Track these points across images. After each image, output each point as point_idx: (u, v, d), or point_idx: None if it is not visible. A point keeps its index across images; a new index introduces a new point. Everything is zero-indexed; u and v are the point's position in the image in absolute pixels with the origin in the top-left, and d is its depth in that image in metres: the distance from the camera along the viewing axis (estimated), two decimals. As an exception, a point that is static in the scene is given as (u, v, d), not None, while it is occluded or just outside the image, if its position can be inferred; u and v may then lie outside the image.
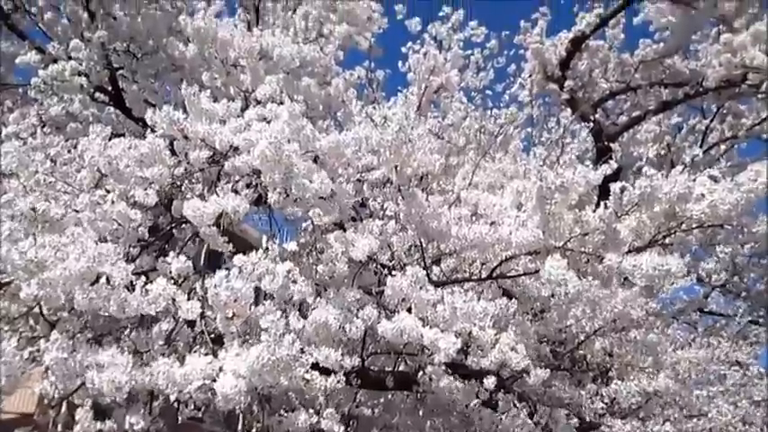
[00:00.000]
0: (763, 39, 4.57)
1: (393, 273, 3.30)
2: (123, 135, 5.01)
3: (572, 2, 7.03)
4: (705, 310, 7.87)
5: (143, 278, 2.77)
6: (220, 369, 2.49)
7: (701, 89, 5.88)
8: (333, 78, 4.82)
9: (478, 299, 3.08)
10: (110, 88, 5.25)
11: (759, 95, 5.78)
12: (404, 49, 5.72)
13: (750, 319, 7.59)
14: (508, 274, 3.85)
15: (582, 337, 4.33)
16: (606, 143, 6.53)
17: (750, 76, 4.76)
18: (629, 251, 3.21)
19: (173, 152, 3.52)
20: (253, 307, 2.80)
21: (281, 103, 3.73)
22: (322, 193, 3.15)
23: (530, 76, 6.95)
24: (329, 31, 4.45)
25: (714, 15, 6.47)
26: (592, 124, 6.60)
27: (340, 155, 3.35)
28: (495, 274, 3.79)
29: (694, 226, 3.14)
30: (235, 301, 2.74)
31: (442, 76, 5.08)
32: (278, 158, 2.83)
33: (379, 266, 3.96)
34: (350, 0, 4.49)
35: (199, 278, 3.31)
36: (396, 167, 3.36)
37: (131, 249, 3.52)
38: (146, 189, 3.31)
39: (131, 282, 2.71)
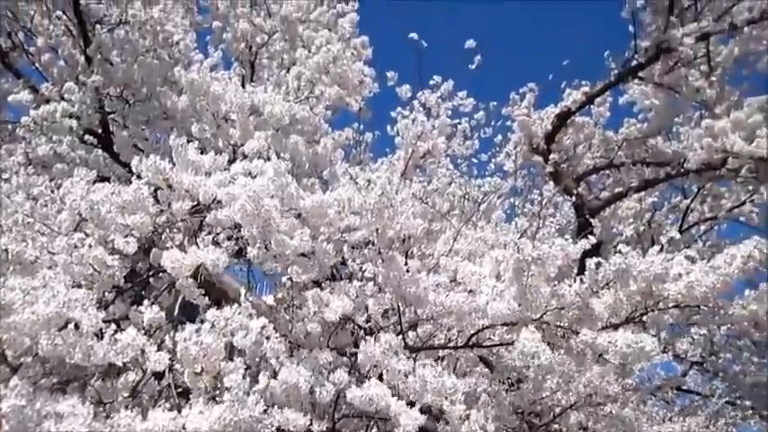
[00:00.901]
0: (743, 126, 4.71)
1: (368, 336, 3.27)
2: (109, 179, 5.02)
3: (560, 78, 7.25)
4: (683, 388, 7.82)
5: (113, 326, 2.72)
6: (183, 427, 2.42)
7: (682, 170, 6.01)
8: (321, 137, 4.90)
9: (454, 367, 3.07)
10: (100, 131, 5.29)
11: (738, 180, 5.92)
12: (393, 114, 5.85)
13: (727, 399, 7.55)
14: (484, 344, 3.83)
15: (557, 410, 4.29)
16: (587, 217, 6.62)
17: (730, 161, 4.88)
18: (605, 327, 3.21)
19: (156, 200, 3.52)
20: (223, 363, 2.75)
21: (268, 159, 3.76)
22: (302, 250, 3.16)
23: (515, 147, 7.09)
24: (320, 91, 4.55)
25: (696, 100, 6.71)
26: (574, 198, 6.70)
27: (323, 214, 3.37)
28: (471, 343, 3.77)
29: (671, 305, 3.15)
30: (204, 356, 2.69)
31: (429, 142, 5.17)
32: (258, 213, 2.84)
33: (355, 327, 3.94)
34: (343, 64, 4.59)
35: (171, 329, 3.26)
36: (377, 230, 3.38)
37: (106, 295, 3.47)
38: (126, 236, 3.29)
39: (101, 329, 2.65)
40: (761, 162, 4.65)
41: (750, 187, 6.11)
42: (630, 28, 6.84)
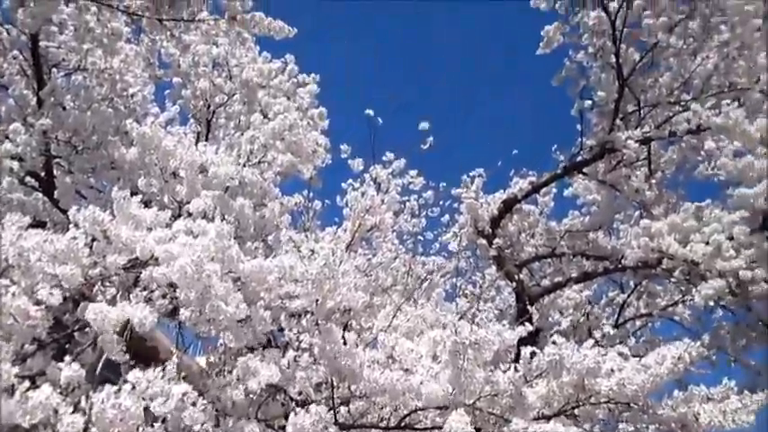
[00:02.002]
0: (678, 229, 4.91)
1: (299, 408, 3.17)
2: (45, 224, 4.84)
3: (509, 165, 7.49)
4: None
5: (27, 383, 2.55)
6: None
7: (620, 266, 6.19)
8: (270, 202, 4.87)
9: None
10: (43, 174, 5.14)
11: (672, 280, 6.12)
12: (344, 185, 5.90)
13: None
14: (417, 426, 3.75)
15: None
16: (527, 304, 6.70)
17: (665, 262, 5.05)
18: (538, 418, 3.19)
19: (92, 252, 3.40)
20: (141, 430, 2.60)
21: (213, 219, 3.71)
22: (237, 316, 3.07)
23: (461, 228, 7.20)
24: (273, 157, 4.56)
25: (636, 200, 7.01)
26: (515, 284, 6.80)
27: (262, 279, 3.31)
28: (403, 424, 3.69)
29: (603, 400, 3.16)
30: (121, 420, 2.54)
31: (377, 216, 5.21)
32: (197, 277, 2.76)
33: (287, 398, 3.81)
34: (298, 133, 4.63)
35: (91, 389, 3.08)
36: (317, 301, 3.33)
37: (25, 348, 3.28)
38: (54, 287, 3.14)
39: (12, 385, 2.49)
40: (693, 265, 4.83)
41: (683, 288, 6.31)
42: (578, 126, 7.19)
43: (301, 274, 3.09)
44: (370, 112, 5.85)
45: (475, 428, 3.05)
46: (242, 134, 5.26)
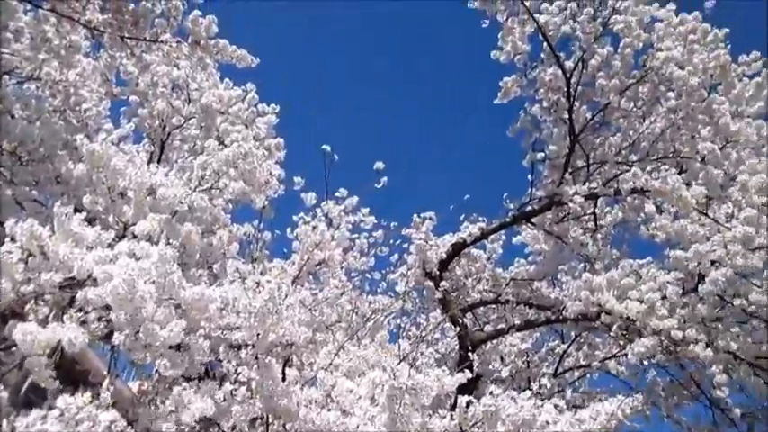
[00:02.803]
0: (617, 286, 5.05)
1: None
2: (-21, 235, 4.64)
3: (460, 210, 7.59)
4: None
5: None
6: None
7: (561, 316, 6.30)
8: (218, 229, 4.81)
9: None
10: (-18, 183, 4.95)
11: (610, 334, 6.25)
12: (295, 218, 5.87)
13: None
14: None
15: None
16: (469, 349, 6.74)
17: (603, 316, 5.17)
18: (470, 466, 3.19)
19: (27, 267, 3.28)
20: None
21: (158, 242, 3.63)
22: (173, 342, 3.00)
23: (410, 269, 7.23)
24: (225, 184, 4.52)
25: (580, 253, 7.19)
26: (459, 328, 6.83)
27: (203, 308, 3.25)
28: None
29: (536, 452, 3.17)
30: (42, 447, 2.43)
31: (326, 251, 5.20)
32: (129, 298, 2.69)
33: (221, 432, 3.71)
34: (252, 162, 4.61)
35: (14, 412, 2.94)
36: (258, 335, 3.28)
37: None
38: (-21, 302, 3.01)
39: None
40: (630, 322, 4.95)
41: (621, 343, 6.45)
42: (529, 176, 7.38)
43: (244, 306, 3.04)
44: (326, 147, 5.87)
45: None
46: (195, 158, 5.21)
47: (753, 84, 6.13)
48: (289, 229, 5.91)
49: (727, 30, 6.30)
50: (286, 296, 4.25)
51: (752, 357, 5.19)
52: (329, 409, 3.46)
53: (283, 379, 3.99)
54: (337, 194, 6.09)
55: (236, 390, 3.52)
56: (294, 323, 4.04)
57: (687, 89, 5.97)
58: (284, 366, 4.64)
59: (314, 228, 5.29)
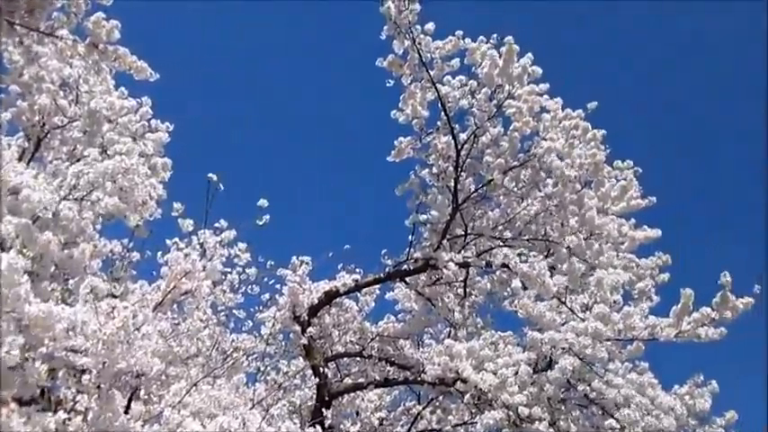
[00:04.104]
0: (475, 356, 5.22)
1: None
2: None
3: (338, 258, 7.62)
4: None
5: None
6: None
7: (419, 378, 6.40)
8: (83, 243, 4.52)
9: None
10: None
11: (464, 402, 6.43)
12: (168, 242, 5.63)
13: None
14: None
15: None
16: (326, 400, 6.68)
17: (459, 384, 5.31)
18: None
19: None
20: None
21: (10, 249, 3.37)
22: (8, 362, 2.77)
23: (279, 310, 7.12)
24: (98, 197, 4.28)
25: (447, 318, 7.40)
26: (318, 378, 6.77)
27: (48, 327, 3.03)
28: None
29: None
30: None
31: (195, 281, 5.02)
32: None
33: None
34: (132, 179, 4.42)
35: None
36: (104, 363, 3.09)
37: None
38: None
39: None
40: (482, 393, 5.12)
41: (473, 411, 6.63)
42: (410, 236, 7.56)
43: (93, 332, 2.86)
44: (212, 175, 5.73)
45: None
46: (72, 164, 4.91)
47: (619, 185, 6.71)
48: (160, 253, 5.65)
49: (605, 132, 6.90)
50: (143, 323, 4.06)
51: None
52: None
53: (126, 412, 3.77)
54: (216, 225, 5.93)
55: (69, 419, 3.28)
56: (147, 353, 3.85)
57: (563, 180, 6.42)
58: (130, 399, 4.38)
59: (186, 255, 5.10)
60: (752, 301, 5.18)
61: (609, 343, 4.91)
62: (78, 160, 5.08)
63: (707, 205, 20.93)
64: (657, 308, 5.86)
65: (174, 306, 5.77)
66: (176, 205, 5.68)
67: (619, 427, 5.12)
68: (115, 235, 5.89)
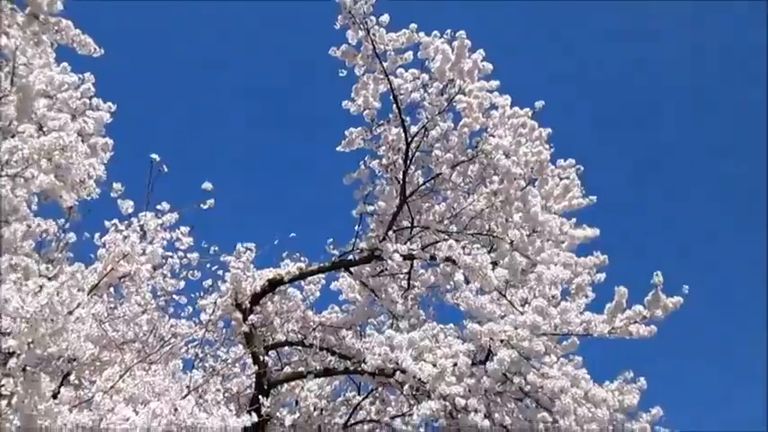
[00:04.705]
0: (416, 346, 5.27)
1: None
2: None
3: (283, 246, 7.57)
4: None
5: None
6: None
7: (359, 368, 6.42)
8: (15, 222, 4.36)
9: None
10: None
11: (403, 393, 6.49)
12: (107, 224, 5.46)
13: None
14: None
15: None
16: (265, 388, 6.64)
17: (398, 374, 5.35)
18: None
19: None
20: None
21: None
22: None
23: (221, 297, 7.02)
24: (33, 174, 4.13)
25: (390, 309, 7.44)
26: (258, 366, 6.72)
27: (-28, 308, 2.91)
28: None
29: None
30: None
31: (134, 265, 4.91)
32: None
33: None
34: (70, 157, 4.27)
35: None
36: (29, 344, 2.99)
37: None
38: None
39: None
40: (421, 383, 5.18)
41: (411, 402, 6.69)
42: (356, 227, 7.56)
43: (15, 309, 2.76)
44: (155, 156, 5.58)
45: None
46: (5, 139, 4.71)
47: (562, 184, 6.86)
48: (98, 235, 5.48)
49: (551, 130, 7.05)
50: (78, 306, 3.95)
51: (520, 432, 5.70)
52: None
53: (55, 396, 3.67)
54: (158, 207, 5.77)
55: (-7, 403, 3.17)
56: (80, 337, 3.75)
57: (509, 176, 6.52)
58: (61, 383, 4.26)
59: (125, 237, 4.98)
60: (681, 301, 5.38)
61: (545, 337, 5.03)
62: (13, 136, 4.88)
63: (646, 206, 21.62)
64: (593, 305, 6.02)
65: (112, 290, 5.63)
66: (116, 186, 5.50)
67: (551, 420, 5.26)
68: (50, 215, 5.68)
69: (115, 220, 5.50)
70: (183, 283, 6.56)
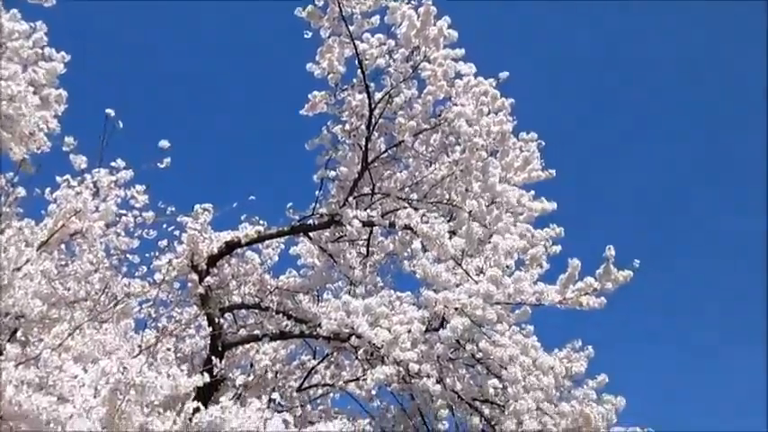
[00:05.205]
0: (371, 312, 5.30)
1: None
2: None
3: (242, 209, 7.48)
4: None
5: None
6: None
7: (315, 332, 6.45)
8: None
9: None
10: None
11: (357, 358, 6.56)
12: (59, 179, 5.30)
13: None
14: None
15: None
16: (220, 350, 6.63)
17: (353, 339, 5.39)
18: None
19: None
20: None
21: None
22: None
23: (177, 258, 6.93)
24: (-22, 125, 3.98)
25: (348, 275, 7.46)
26: (212, 328, 6.69)
27: None
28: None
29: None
30: None
31: (86, 222, 4.81)
32: None
33: None
34: (19, 108, 4.12)
35: None
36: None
37: None
38: None
39: None
40: (376, 348, 5.24)
41: (365, 367, 6.77)
42: (317, 192, 7.51)
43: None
44: (110, 111, 5.41)
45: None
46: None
47: (522, 157, 6.92)
48: (49, 190, 5.32)
49: (513, 101, 7.06)
50: (27, 262, 3.88)
51: (470, 398, 5.85)
52: (44, 395, 3.17)
53: (0, 353, 3.61)
54: (112, 164, 5.62)
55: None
56: (28, 294, 3.68)
57: (471, 146, 6.53)
58: (8, 340, 4.19)
59: (77, 194, 4.85)
60: (631, 274, 5.53)
61: (499, 306, 5.12)
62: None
63: (602, 181, 22.02)
64: (547, 275, 6.13)
65: (63, 247, 5.52)
66: (68, 140, 5.33)
67: (501, 386, 5.39)
68: (4, 170, 5.49)
69: (67, 176, 5.34)
70: (137, 242, 6.43)
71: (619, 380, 6.28)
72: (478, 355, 5.53)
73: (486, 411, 5.97)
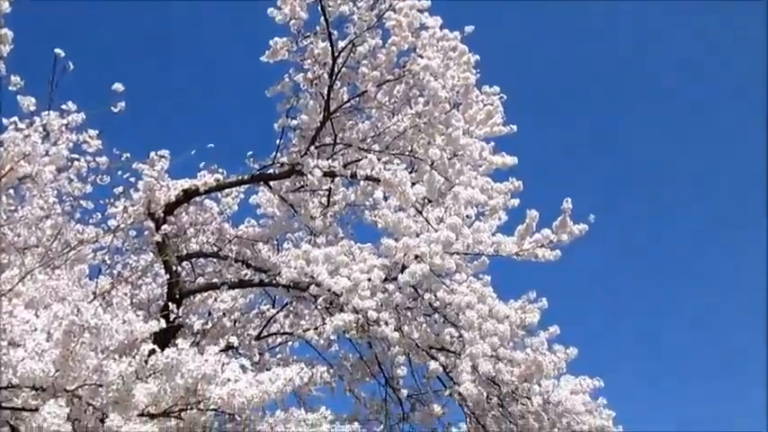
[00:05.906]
0: (332, 261, 5.30)
1: None
2: None
3: (200, 156, 7.34)
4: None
5: None
6: None
7: (274, 281, 6.44)
8: None
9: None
10: None
11: (316, 306, 6.58)
12: (5, 121, 5.07)
13: None
14: (5, 404, 3.35)
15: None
16: (177, 297, 6.57)
17: (313, 288, 5.39)
18: (143, 414, 3.10)
19: None
20: None
21: None
22: None
23: (132, 205, 6.79)
24: None
25: (307, 225, 7.43)
26: (169, 275, 6.62)
27: None
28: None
29: (211, 407, 3.20)
30: None
31: (36, 166, 4.65)
32: None
33: None
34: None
35: None
36: None
37: None
38: None
39: None
40: (335, 296, 5.25)
41: (324, 316, 6.80)
42: (277, 140, 7.40)
43: None
44: (59, 51, 5.17)
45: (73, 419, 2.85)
46: None
47: (485, 110, 6.91)
48: (-5, 133, 5.10)
49: (478, 57, 7.01)
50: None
51: (427, 346, 5.95)
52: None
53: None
54: (63, 107, 5.40)
55: None
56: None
57: (435, 99, 6.49)
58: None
59: (26, 137, 4.68)
60: (586, 228, 5.64)
61: (457, 256, 5.17)
62: None
63: (563, 136, 22.27)
64: (506, 227, 6.20)
65: (11, 191, 5.34)
66: (14, 79, 5.09)
67: (457, 335, 5.49)
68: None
69: (15, 118, 5.13)
70: (90, 188, 6.26)
71: (569, 331, 6.46)
72: (436, 304, 5.61)
73: (442, 359, 6.09)
